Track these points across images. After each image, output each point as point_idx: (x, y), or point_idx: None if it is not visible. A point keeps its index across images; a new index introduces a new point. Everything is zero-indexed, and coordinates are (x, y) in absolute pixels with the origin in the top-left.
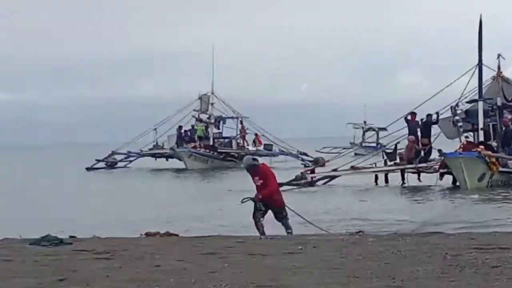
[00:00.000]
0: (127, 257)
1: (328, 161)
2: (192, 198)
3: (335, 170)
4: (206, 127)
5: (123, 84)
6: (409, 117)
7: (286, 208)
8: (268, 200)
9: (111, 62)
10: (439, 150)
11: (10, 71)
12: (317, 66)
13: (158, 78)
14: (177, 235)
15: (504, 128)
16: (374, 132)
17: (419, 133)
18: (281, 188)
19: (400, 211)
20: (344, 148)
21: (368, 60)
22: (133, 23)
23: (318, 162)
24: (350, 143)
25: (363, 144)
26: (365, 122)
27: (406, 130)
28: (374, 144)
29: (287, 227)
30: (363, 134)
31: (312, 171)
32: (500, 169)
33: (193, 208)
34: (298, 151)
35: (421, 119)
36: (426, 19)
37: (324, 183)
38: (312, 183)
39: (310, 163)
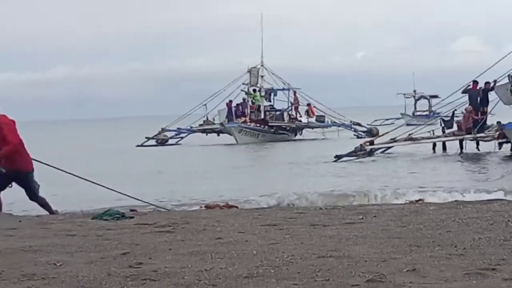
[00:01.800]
0: (189, 230)
1: (383, 134)
2: (243, 170)
3: (393, 139)
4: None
5: (173, 58)
6: (470, 86)
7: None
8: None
9: (162, 36)
10: (498, 122)
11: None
12: (369, 36)
13: (210, 51)
14: (236, 207)
15: None
16: (426, 101)
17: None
18: (341, 160)
19: (461, 179)
20: (397, 119)
21: (424, 28)
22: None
23: (372, 133)
24: (401, 113)
25: (415, 114)
26: (415, 91)
27: (462, 98)
28: (427, 113)
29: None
30: (415, 103)
31: (371, 143)
32: None
33: (243, 180)
34: (351, 121)
35: (480, 88)
36: None
37: (382, 152)
38: (371, 153)
39: (363, 134)
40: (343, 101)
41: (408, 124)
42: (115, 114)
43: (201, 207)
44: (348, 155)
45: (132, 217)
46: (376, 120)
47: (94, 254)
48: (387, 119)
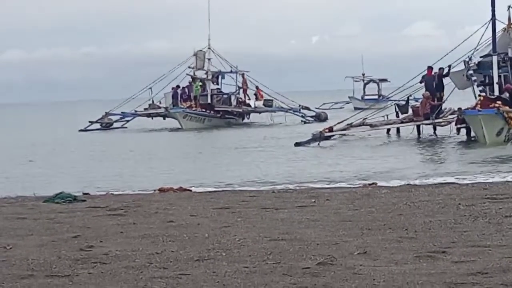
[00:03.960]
0: (141, 213)
1: (342, 121)
2: (188, 155)
3: (350, 125)
4: (203, 85)
5: (128, 41)
6: (425, 73)
7: None
8: None
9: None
10: (459, 109)
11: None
12: (325, 20)
13: (166, 35)
14: (190, 190)
15: None
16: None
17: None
18: (299, 147)
19: (415, 163)
20: (346, 103)
21: (378, 13)
22: None
23: (320, 117)
24: (349, 97)
25: (364, 97)
26: (363, 75)
27: (415, 82)
28: (376, 97)
29: None
30: (364, 87)
31: (331, 130)
32: None
33: (195, 164)
34: (300, 106)
35: (435, 73)
36: None
37: (339, 137)
38: (328, 137)
39: (311, 119)
40: (296, 84)
41: (356, 108)
42: (70, 97)
43: (154, 190)
44: (307, 142)
45: (84, 200)
46: (324, 104)
47: (45, 237)
48: (336, 103)
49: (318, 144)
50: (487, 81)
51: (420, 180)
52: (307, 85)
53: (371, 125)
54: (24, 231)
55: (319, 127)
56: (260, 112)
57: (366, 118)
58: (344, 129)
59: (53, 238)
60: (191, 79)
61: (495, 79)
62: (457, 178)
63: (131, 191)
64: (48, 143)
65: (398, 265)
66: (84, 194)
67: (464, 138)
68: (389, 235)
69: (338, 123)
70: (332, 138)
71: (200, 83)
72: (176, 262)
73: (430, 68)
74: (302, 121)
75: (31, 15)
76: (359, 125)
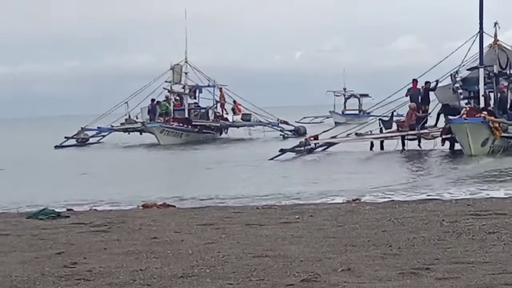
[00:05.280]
0: (124, 229)
1: (323, 132)
2: (168, 171)
3: (334, 137)
4: (181, 98)
5: (110, 56)
6: (410, 86)
7: None
8: None
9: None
10: (446, 117)
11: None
12: (310, 35)
13: (149, 49)
14: (174, 206)
15: (500, 95)
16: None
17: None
18: (282, 155)
19: (399, 178)
20: (327, 118)
21: (362, 28)
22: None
23: (299, 132)
24: (330, 111)
25: (345, 112)
26: (345, 89)
27: (399, 96)
28: (356, 112)
29: None
30: (345, 102)
31: (316, 138)
32: (501, 134)
33: (176, 181)
34: (278, 120)
35: (422, 86)
36: None
37: (323, 150)
38: (311, 151)
39: (290, 133)
40: (278, 99)
41: (336, 123)
42: (52, 112)
43: (138, 206)
44: (292, 149)
45: (68, 216)
46: (304, 118)
47: (28, 254)
48: (316, 117)
49: (303, 153)
50: (472, 95)
51: (404, 196)
52: (289, 99)
53: (357, 134)
54: (7, 247)
55: (298, 141)
56: (238, 127)
57: (350, 134)
58: (329, 139)
59: (36, 255)
60: (168, 94)
61: (481, 92)
62: (441, 194)
63: (114, 207)
64: (22, 160)
65: (382, 282)
66: (68, 210)
67: (448, 151)
68: (373, 251)
69: (324, 132)
70: (316, 151)
71: (171, 99)
72: (160, 279)
73: (415, 81)
74: (280, 135)
75: (14, 30)
76: (345, 137)
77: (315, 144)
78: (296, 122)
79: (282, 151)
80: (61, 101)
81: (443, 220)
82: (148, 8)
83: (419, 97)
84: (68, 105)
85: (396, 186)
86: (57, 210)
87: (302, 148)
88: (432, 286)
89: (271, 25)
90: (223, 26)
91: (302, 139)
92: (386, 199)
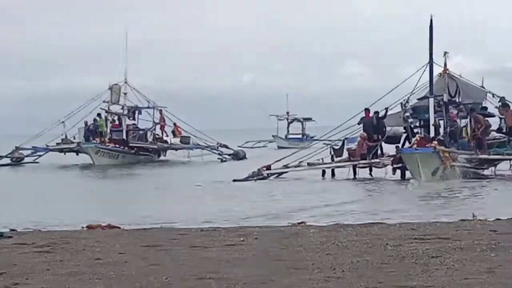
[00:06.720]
0: (68, 250)
1: (275, 161)
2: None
3: (286, 166)
4: (119, 119)
5: (58, 77)
6: (363, 115)
7: None
8: None
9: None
10: (396, 147)
11: None
12: (260, 59)
13: (99, 70)
14: (119, 227)
15: (451, 124)
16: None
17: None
18: (235, 183)
19: (345, 202)
20: (270, 142)
21: (310, 52)
22: (41, 22)
23: (238, 156)
24: (273, 136)
25: (288, 136)
26: (288, 113)
27: (351, 124)
28: (300, 136)
29: None
30: (288, 126)
31: (268, 168)
32: (452, 163)
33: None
34: (218, 143)
35: (374, 115)
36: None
37: (275, 177)
38: (265, 177)
39: (228, 157)
40: (223, 122)
41: (279, 147)
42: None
43: (82, 227)
44: (245, 179)
45: (11, 237)
46: (247, 142)
47: None
48: (259, 141)
49: (255, 180)
50: (422, 124)
51: (348, 220)
52: (233, 122)
53: (308, 164)
54: None
55: (236, 165)
56: (176, 149)
57: (302, 161)
58: (282, 169)
59: None
60: (105, 115)
61: (431, 121)
62: (385, 218)
63: (58, 228)
64: None
65: None
66: (11, 230)
67: (399, 179)
68: (317, 274)
69: (276, 161)
70: (268, 178)
71: (109, 118)
72: None
73: (367, 111)
74: (219, 159)
75: None
76: (296, 166)
77: (267, 174)
78: (238, 146)
79: (235, 181)
80: (6, 121)
81: (387, 244)
82: (98, 31)
83: (372, 126)
84: (10, 125)
85: (341, 209)
86: None
87: (254, 178)
88: None
89: (218, 48)
90: (170, 50)
91: (255, 169)
92: (330, 222)
